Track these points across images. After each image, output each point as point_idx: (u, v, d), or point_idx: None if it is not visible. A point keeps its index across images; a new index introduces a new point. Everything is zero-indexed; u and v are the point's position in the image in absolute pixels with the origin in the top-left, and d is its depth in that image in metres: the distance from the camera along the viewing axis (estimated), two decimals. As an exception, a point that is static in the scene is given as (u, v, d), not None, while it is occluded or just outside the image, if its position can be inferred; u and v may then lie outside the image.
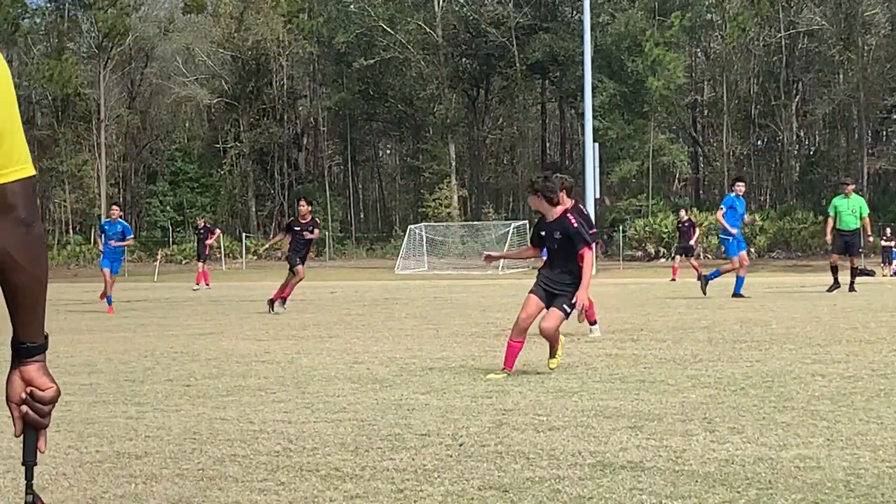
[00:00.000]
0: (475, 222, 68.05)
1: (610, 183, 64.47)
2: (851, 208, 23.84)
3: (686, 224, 36.32)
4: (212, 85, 77.39)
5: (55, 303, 25.25)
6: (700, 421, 6.93)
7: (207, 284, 35.68)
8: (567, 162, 78.85)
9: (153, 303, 26.12)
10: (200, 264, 36.55)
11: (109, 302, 22.29)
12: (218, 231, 40.54)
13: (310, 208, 21.58)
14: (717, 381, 8.85)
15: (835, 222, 23.78)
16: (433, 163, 71.74)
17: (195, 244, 38.84)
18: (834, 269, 23.90)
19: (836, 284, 23.53)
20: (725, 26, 66.47)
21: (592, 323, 13.76)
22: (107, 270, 22.53)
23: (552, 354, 9.61)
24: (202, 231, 37.50)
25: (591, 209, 54.41)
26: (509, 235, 60.44)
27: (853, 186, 24.86)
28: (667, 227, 62.16)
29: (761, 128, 70.98)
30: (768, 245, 62.11)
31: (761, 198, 74.60)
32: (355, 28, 71.06)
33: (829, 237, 24.12)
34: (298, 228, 20.69)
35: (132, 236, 23.68)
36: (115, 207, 23.93)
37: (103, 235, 23.07)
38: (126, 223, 23.37)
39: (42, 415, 2.40)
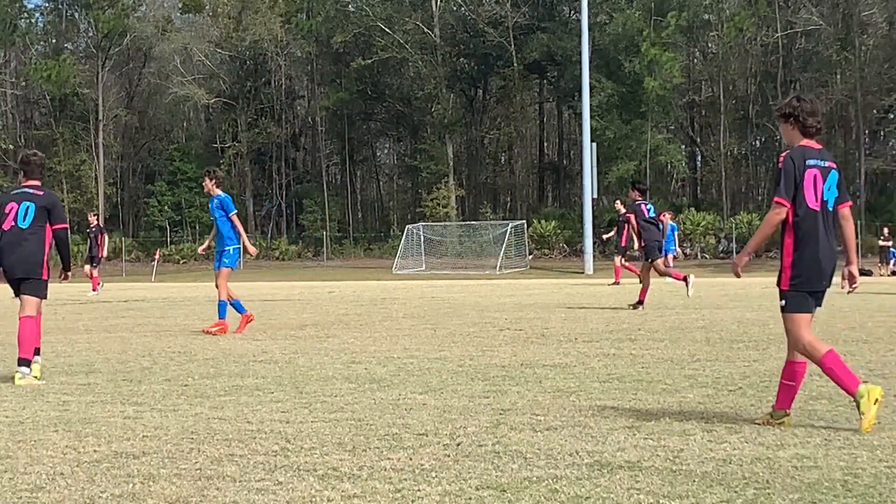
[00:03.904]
0: (473, 222, 68.02)
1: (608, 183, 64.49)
2: None
3: (622, 218, 29.85)
4: (210, 85, 77.30)
5: (52, 303, 25.25)
6: (697, 421, 6.93)
7: (95, 290, 31.37)
8: (565, 162, 78.88)
9: (151, 303, 26.08)
10: (87, 267, 32.08)
11: None
12: (106, 235, 34.04)
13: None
14: (714, 381, 8.85)
15: None
16: (431, 162, 71.69)
17: (87, 244, 32.66)
18: None
19: None
20: (722, 26, 66.44)
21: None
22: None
23: None
24: (94, 231, 32.60)
25: (588, 208, 54.57)
26: (507, 235, 60.42)
27: None
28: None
29: (758, 127, 70.95)
30: (766, 245, 62.11)
31: (759, 197, 74.60)
32: (353, 28, 71.03)
33: None
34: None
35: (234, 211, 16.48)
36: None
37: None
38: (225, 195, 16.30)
39: None
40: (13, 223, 10.11)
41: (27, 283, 10.08)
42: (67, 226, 10.45)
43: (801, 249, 6.69)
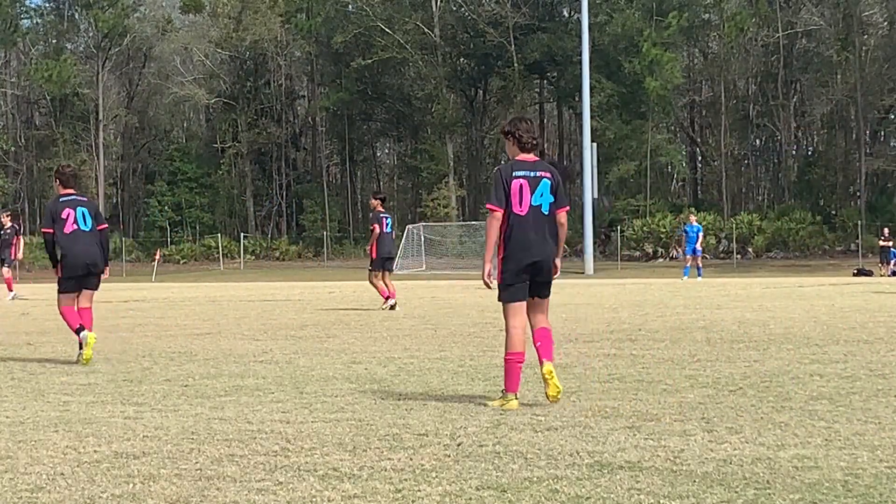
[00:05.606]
0: (473, 222, 67.99)
1: (608, 183, 64.47)
2: None
3: None
4: (210, 85, 77.31)
5: (53, 303, 25.22)
6: (698, 421, 6.93)
7: (11, 291, 28.48)
8: (565, 162, 78.90)
9: (151, 303, 26.07)
10: (6, 269, 29.07)
11: None
12: (23, 240, 30.96)
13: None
14: (714, 381, 8.85)
15: None
16: (431, 163, 71.70)
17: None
18: None
19: None
20: (723, 26, 66.45)
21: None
22: None
23: None
24: (8, 232, 29.18)
25: (588, 209, 54.55)
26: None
27: None
28: (664, 228, 62.19)
29: (759, 128, 70.96)
30: (766, 245, 62.11)
31: (759, 198, 74.60)
32: (353, 28, 71.04)
33: None
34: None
35: None
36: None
37: None
38: None
39: None
40: (75, 226, 11.27)
41: (91, 278, 11.49)
42: (107, 226, 11.86)
43: (509, 248, 7.62)
